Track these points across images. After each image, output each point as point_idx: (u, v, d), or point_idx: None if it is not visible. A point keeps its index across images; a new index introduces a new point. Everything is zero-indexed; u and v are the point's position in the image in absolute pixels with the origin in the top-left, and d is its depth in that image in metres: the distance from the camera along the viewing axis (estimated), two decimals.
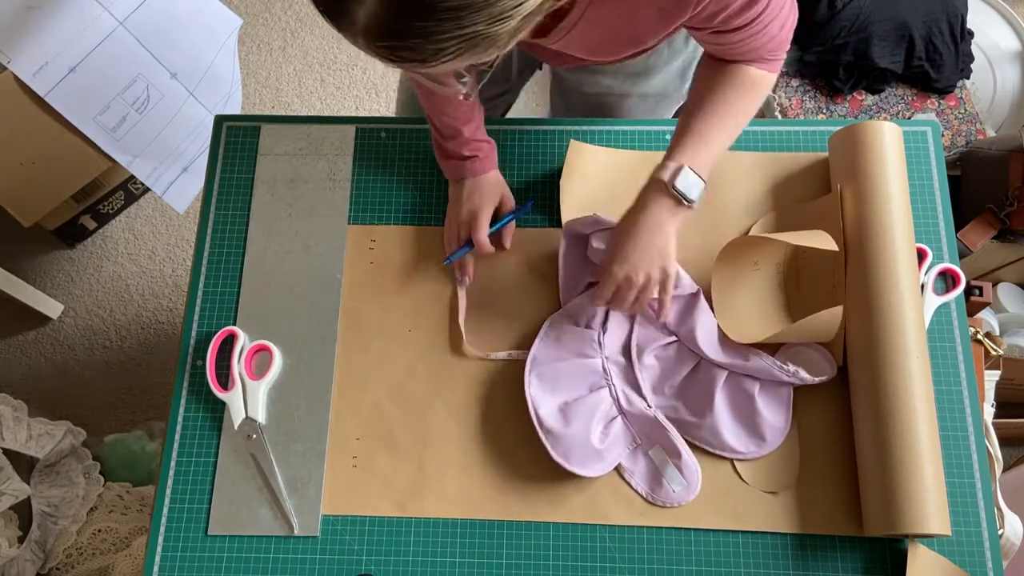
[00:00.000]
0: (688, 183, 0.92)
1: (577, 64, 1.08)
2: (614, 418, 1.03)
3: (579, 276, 1.09)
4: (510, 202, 1.11)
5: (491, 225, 1.09)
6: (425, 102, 1.07)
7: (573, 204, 1.13)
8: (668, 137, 1.15)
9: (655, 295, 0.98)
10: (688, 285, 1.04)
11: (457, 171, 1.10)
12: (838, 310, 0.97)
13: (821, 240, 0.99)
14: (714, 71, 0.96)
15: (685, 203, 0.93)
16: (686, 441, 1.01)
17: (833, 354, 1.02)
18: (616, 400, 1.03)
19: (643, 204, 0.95)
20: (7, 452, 1.56)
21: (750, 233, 1.10)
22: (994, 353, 1.13)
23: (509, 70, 1.30)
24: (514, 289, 1.10)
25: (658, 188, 0.94)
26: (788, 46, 0.95)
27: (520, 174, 1.16)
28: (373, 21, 0.59)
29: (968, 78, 1.84)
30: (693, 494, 0.99)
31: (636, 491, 1.00)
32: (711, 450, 1.01)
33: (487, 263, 1.11)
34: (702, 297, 1.04)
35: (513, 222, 1.12)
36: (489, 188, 1.09)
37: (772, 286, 1.08)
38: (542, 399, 1.03)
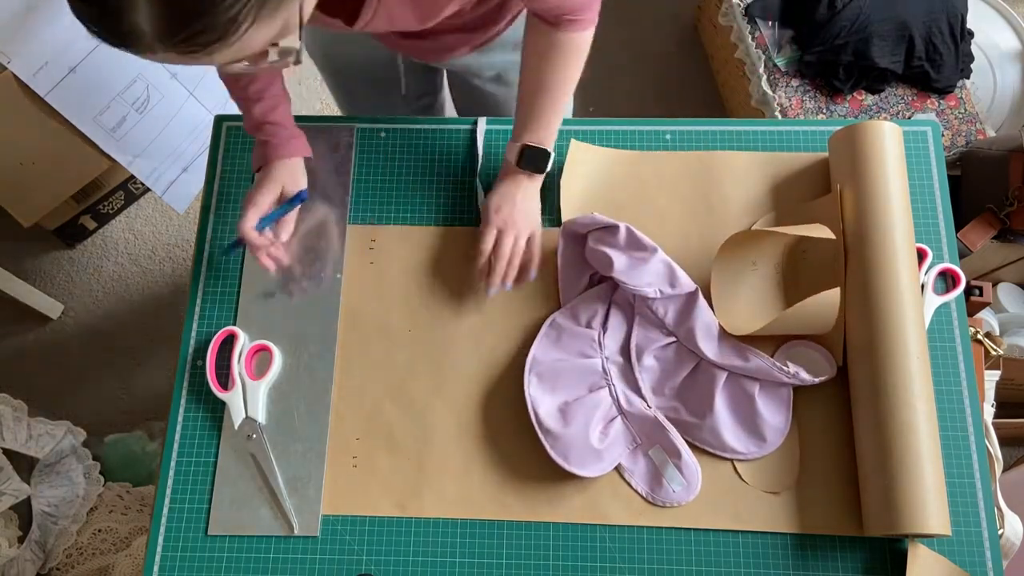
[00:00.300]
0: (534, 158, 1.06)
1: (438, 45, 1.12)
2: (614, 418, 1.03)
3: (578, 276, 1.09)
4: (292, 192, 1.08)
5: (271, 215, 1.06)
6: (228, 88, 1.07)
7: (573, 204, 1.13)
8: (668, 137, 1.16)
9: (523, 242, 1.07)
10: (686, 283, 1.04)
11: (256, 160, 1.08)
12: (836, 293, 0.96)
13: (817, 231, 0.99)
14: (538, 46, 1.03)
15: (537, 173, 1.07)
16: (686, 442, 1.01)
17: (833, 354, 1.02)
18: (616, 400, 1.03)
19: (506, 179, 1.08)
20: (7, 452, 1.56)
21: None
22: (994, 353, 1.13)
23: (398, 81, 1.34)
24: (513, 288, 1.10)
25: (512, 168, 1.07)
26: (598, 6, 1.00)
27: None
28: (158, 21, 0.58)
29: (968, 78, 1.84)
30: (693, 494, 0.99)
31: (636, 491, 1.00)
32: (711, 451, 1.01)
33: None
34: (701, 297, 1.04)
35: (289, 215, 1.08)
36: (272, 177, 1.06)
37: (771, 283, 1.08)
38: (541, 399, 1.03)
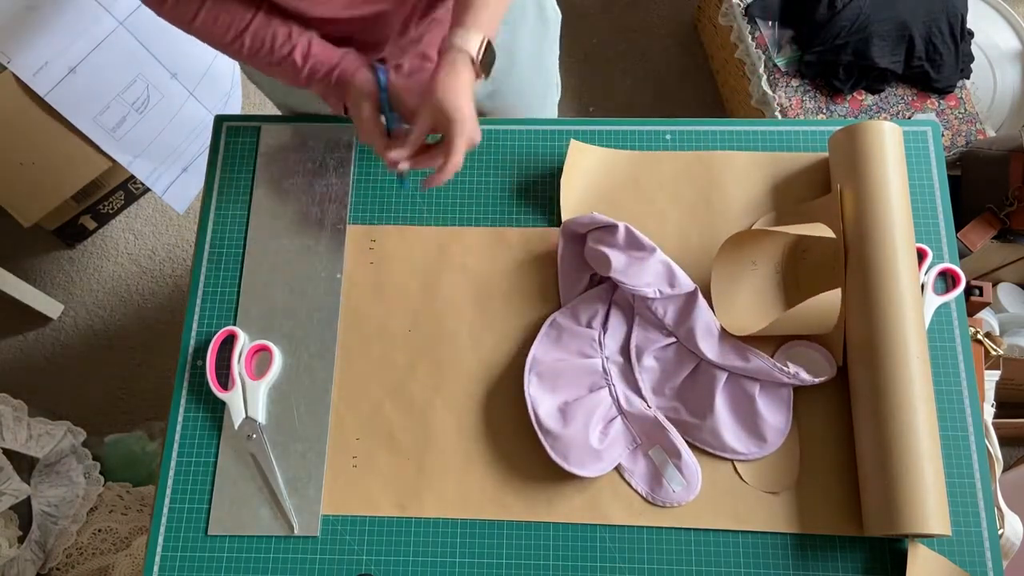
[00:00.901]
0: (492, 56, 0.94)
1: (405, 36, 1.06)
2: (614, 418, 1.03)
3: (578, 276, 1.09)
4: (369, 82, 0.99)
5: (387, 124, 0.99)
6: (255, 64, 1.01)
7: (573, 204, 1.13)
8: (668, 137, 1.16)
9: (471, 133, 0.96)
10: (685, 283, 1.04)
11: (333, 102, 1.02)
12: (836, 293, 0.96)
13: (818, 230, 0.99)
14: None
15: (483, 75, 0.95)
16: (687, 442, 1.01)
17: (833, 354, 1.02)
18: (616, 400, 1.03)
19: (460, 74, 0.92)
20: (7, 452, 1.56)
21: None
22: (994, 353, 1.13)
23: None
24: (514, 288, 1.10)
25: (464, 60, 0.92)
26: None
27: (520, 174, 1.16)
28: None
29: (968, 78, 1.84)
30: (693, 494, 0.99)
31: (636, 491, 1.00)
32: (712, 451, 1.01)
33: (487, 263, 1.11)
34: (700, 297, 1.04)
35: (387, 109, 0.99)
36: (360, 94, 0.98)
37: (771, 283, 1.08)
38: (541, 399, 1.03)
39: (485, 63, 0.93)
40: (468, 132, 0.94)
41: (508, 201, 1.15)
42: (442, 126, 0.93)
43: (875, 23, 1.72)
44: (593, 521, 1.00)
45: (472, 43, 0.92)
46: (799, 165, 1.14)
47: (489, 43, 0.93)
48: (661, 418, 1.01)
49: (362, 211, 1.15)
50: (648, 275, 1.03)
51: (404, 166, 0.97)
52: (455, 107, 0.91)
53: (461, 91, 0.92)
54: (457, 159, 0.95)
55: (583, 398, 1.03)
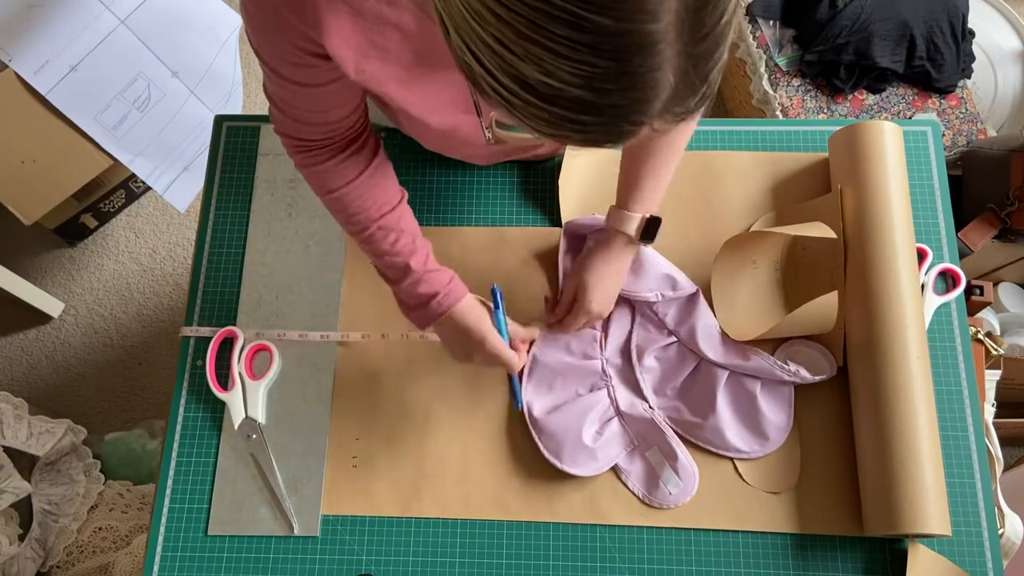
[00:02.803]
0: (653, 227, 0.96)
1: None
2: (610, 419, 1.03)
3: None
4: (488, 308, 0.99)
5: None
6: (365, 248, 0.95)
7: (572, 204, 1.13)
8: None
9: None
10: (687, 286, 1.04)
11: (427, 317, 0.94)
12: (834, 296, 0.96)
13: (818, 229, 0.99)
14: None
15: (644, 243, 0.98)
16: (689, 442, 1.02)
17: (833, 353, 1.02)
18: (613, 401, 1.03)
19: (612, 250, 0.99)
20: (8, 450, 1.56)
21: (750, 231, 1.10)
22: (995, 353, 1.13)
23: None
24: (515, 289, 1.10)
25: (621, 241, 0.98)
26: None
27: (520, 174, 1.16)
28: (678, 75, 0.49)
29: (969, 78, 1.84)
30: (689, 496, 0.99)
31: (632, 492, 1.00)
32: (715, 450, 1.01)
33: (487, 263, 1.11)
34: (701, 297, 1.04)
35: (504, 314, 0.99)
36: (475, 312, 0.95)
37: (771, 283, 1.08)
38: (537, 398, 1.04)
39: (647, 235, 0.97)
40: (591, 314, 1.00)
41: (508, 201, 1.15)
42: (578, 297, 1.00)
43: (876, 23, 1.72)
44: (593, 521, 1.00)
45: (632, 225, 0.96)
46: (799, 165, 1.14)
47: (650, 218, 0.96)
48: (658, 420, 1.01)
49: None
50: (649, 280, 1.04)
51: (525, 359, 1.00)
52: (591, 290, 0.98)
53: (607, 277, 0.99)
54: (569, 327, 1.01)
55: (579, 398, 1.03)
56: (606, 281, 0.99)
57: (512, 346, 0.98)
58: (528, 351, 1.05)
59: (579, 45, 0.45)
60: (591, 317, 1.00)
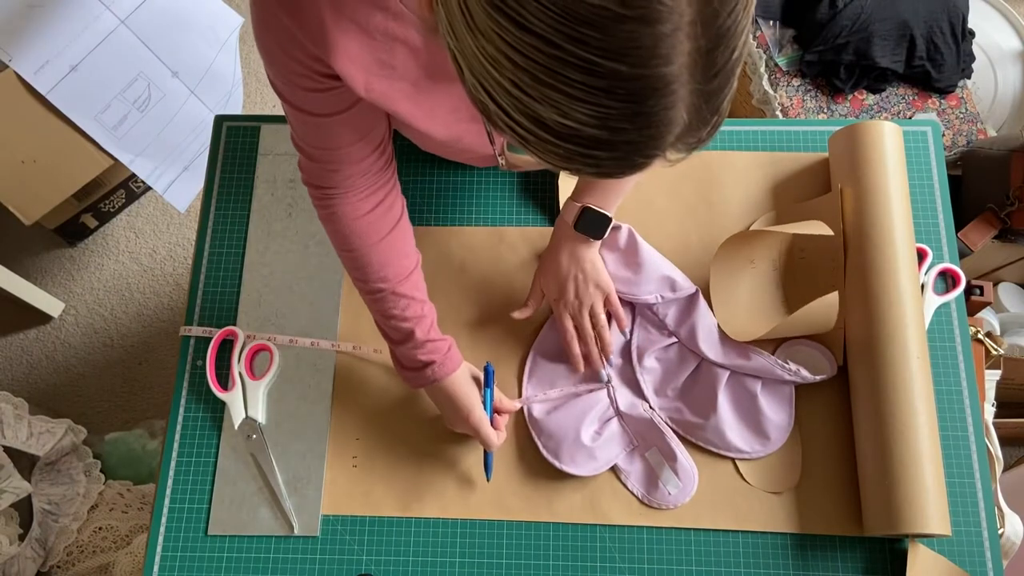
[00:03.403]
0: (594, 222, 0.98)
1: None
2: (610, 419, 1.03)
3: None
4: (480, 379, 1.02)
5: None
6: (372, 306, 0.96)
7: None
8: None
9: (602, 312, 1.03)
10: (686, 286, 1.04)
11: (420, 380, 0.97)
12: (834, 296, 0.96)
13: (816, 228, 0.99)
14: None
15: (595, 239, 1.00)
16: (690, 442, 1.02)
17: (833, 353, 1.02)
18: (613, 402, 1.03)
19: (562, 246, 1.02)
20: (8, 450, 1.56)
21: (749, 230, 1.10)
22: (995, 353, 1.13)
23: None
24: (516, 289, 1.10)
25: (567, 230, 1.00)
26: None
27: (519, 174, 1.16)
28: (694, 94, 0.49)
29: (969, 78, 1.83)
30: (688, 496, 0.99)
31: (632, 492, 1.00)
32: (716, 450, 1.01)
33: (487, 263, 1.11)
34: (701, 297, 1.04)
35: (495, 390, 1.01)
36: (466, 387, 0.98)
37: (770, 283, 1.08)
38: (536, 398, 1.04)
39: (584, 226, 0.99)
40: (561, 310, 1.03)
41: (508, 201, 1.15)
42: (544, 293, 1.05)
43: (876, 23, 1.72)
44: (593, 521, 1.00)
45: (570, 213, 0.99)
46: (799, 165, 1.14)
47: (586, 208, 0.98)
48: (657, 420, 1.01)
49: None
50: (649, 282, 1.04)
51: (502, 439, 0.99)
52: (545, 283, 1.04)
53: (558, 267, 1.01)
54: (565, 330, 1.04)
55: (578, 398, 1.03)
56: (558, 272, 1.02)
57: (494, 423, 0.99)
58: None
59: (594, 89, 0.46)
60: (571, 309, 1.02)
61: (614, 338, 1.06)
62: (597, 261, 1.02)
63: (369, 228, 0.91)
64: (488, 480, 1.01)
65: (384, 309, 0.94)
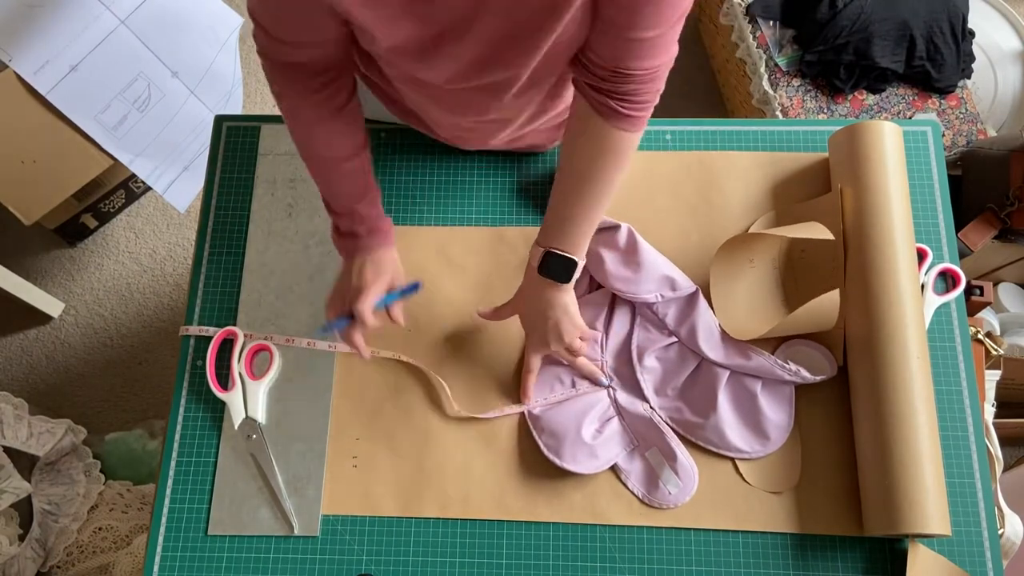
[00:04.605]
0: (559, 266, 0.95)
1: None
2: (611, 418, 1.03)
3: (579, 277, 1.08)
4: (400, 282, 1.02)
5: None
6: (318, 177, 0.99)
7: None
8: (668, 137, 1.16)
9: (577, 345, 1.01)
10: (686, 285, 1.04)
11: (351, 250, 0.99)
12: (835, 295, 0.96)
13: (815, 230, 0.99)
14: (582, 143, 0.90)
15: (561, 283, 0.96)
16: (690, 442, 1.02)
17: (833, 353, 1.02)
18: (614, 401, 1.03)
19: (530, 288, 0.99)
20: (8, 450, 1.56)
21: (749, 231, 1.10)
22: (995, 353, 1.13)
23: None
24: (514, 288, 1.10)
25: (531, 274, 0.97)
26: (653, 103, 0.88)
27: (520, 174, 1.16)
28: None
29: (969, 78, 1.84)
30: (688, 496, 0.99)
31: (632, 492, 1.00)
32: (716, 450, 1.01)
33: (487, 263, 1.11)
34: (701, 297, 1.04)
35: (399, 301, 1.01)
36: (383, 266, 0.99)
37: (770, 282, 1.08)
38: (537, 397, 1.04)
39: (548, 270, 0.95)
40: (529, 352, 1.04)
41: (507, 201, 1.15)
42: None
43: (876, 23, 1.72)
44: (593, 521, 1.00)
45: (535, 258, 0.96)
46: (799, 165, 1.14)
47: (549, 252, 0.94)
48: (657, 420, 1.01)
49: None
50: (649, 282, 1.04)
51: (366, 354, 0.99)
52: (525, 327, 1.04)
53: (536, 315, 0.99)
54: (528, 371, 1.04)
55: (579, 396, 1.03)
56: (529, 316, 1.01)
57: (392, 316, 1.00)
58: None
59: None
60: (542, 352, 1.03)
61: (612, 339, 1.06)
62: (570, 305, 0.98)
63: (321, 105, 0.92)
64: (316, 336, 1.07)
65: (334, 187, 0.98)
